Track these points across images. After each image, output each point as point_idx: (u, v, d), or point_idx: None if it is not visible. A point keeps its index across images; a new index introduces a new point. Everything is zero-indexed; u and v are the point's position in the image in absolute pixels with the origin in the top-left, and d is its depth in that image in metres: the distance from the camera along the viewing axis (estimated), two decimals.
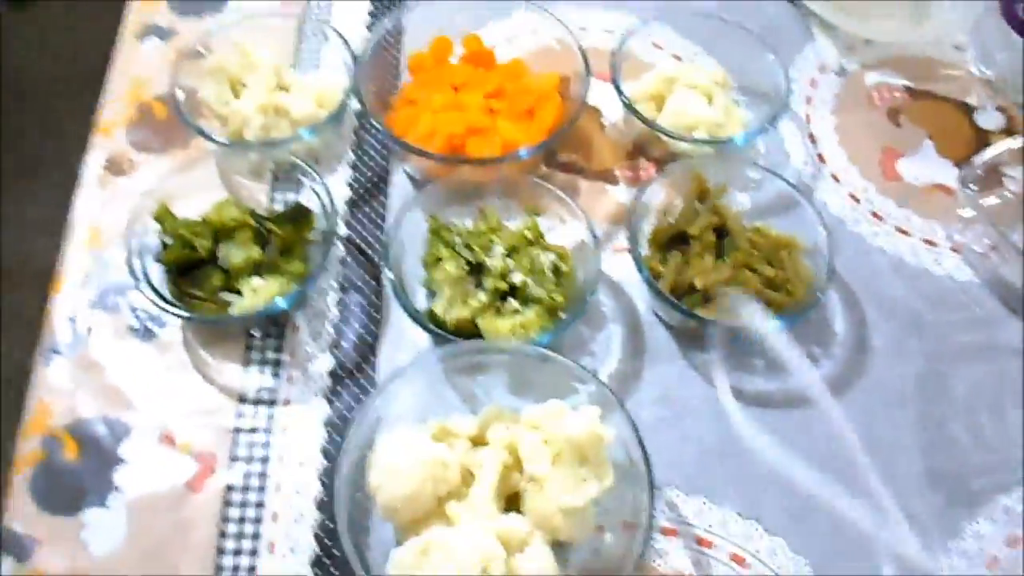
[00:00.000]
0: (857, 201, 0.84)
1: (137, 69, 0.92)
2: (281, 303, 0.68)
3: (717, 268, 0.72)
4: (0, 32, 2.19)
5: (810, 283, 0.72)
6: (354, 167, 0.84)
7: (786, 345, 0.68)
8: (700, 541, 0.66)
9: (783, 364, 0.69)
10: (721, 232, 0.74)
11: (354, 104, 0.86)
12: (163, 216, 0.72)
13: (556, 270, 0.71)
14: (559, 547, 0.61)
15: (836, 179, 0.86)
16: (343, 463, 0.59)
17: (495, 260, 0.70)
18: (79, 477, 0.68)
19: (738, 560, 0.65)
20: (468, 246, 0.71)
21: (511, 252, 0.71)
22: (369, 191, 0.83)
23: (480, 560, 0.55)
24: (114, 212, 0.80)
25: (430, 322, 0.69)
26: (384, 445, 0.61)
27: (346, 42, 0.83)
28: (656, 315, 0.76)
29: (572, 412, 0.61)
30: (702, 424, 0.71)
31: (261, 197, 0.81)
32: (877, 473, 0.69)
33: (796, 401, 0.72)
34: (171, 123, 0.87)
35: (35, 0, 2.24)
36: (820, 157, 0.87)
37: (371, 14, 0.96)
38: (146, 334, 0.75)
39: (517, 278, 0.69)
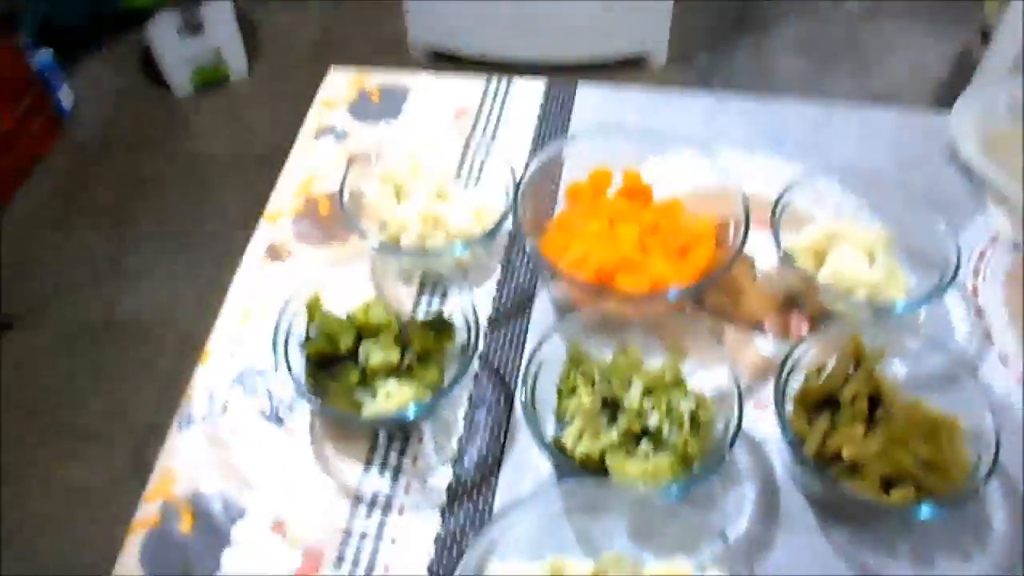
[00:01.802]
0: None
1: (310, 165, 0.97)
2: (412, 411, 0.68)
3: (868, 439, 0.67)
4: (182, 116, 2.39)
5: (970, 470, 0.66)
6: (500, 286, 0.85)
7: None
8: None
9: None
10: (875, 402, 0.70)
11: (508, 225, 0.87)
12: (314, 307, 0.74)
13: (694, 418, 0.68)
14: None
15: (1004, 360, 0.80)
16: None
17: (632, 398, 0.68)
18: (189, 551, 0.69)
19: None
20: (606, 379, 0.69)
21: (649, 392, 0.69)
22: (512, 312, 0.83)
23: None
24: (267, 296, 0.83)
25: (557, 452, 0.67)
26: None
27: (510, 162, 0.85)
28: (795, 480, 0.71)
29: (697, 572, 0.57)
30: None
31: (407, 302, 0.82)
32: None
33: None
34: (333, 219, 0.90)
35: (219, 87, 2.43)
36: (987, 335, 0.82)
37: (535, 140, 0.99)
38: (276, 420, 0.76)
39: (653, 420, 0.67)
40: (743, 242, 0.78)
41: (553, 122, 1.01)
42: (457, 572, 0.58)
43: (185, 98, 2.41)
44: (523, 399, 0.68)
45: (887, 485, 0.66)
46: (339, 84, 1.07)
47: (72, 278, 1.98)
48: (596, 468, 0.67)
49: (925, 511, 0.63)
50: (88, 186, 2.19)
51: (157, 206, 2.15)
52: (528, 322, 0.82)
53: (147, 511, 0.71)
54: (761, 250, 0.85)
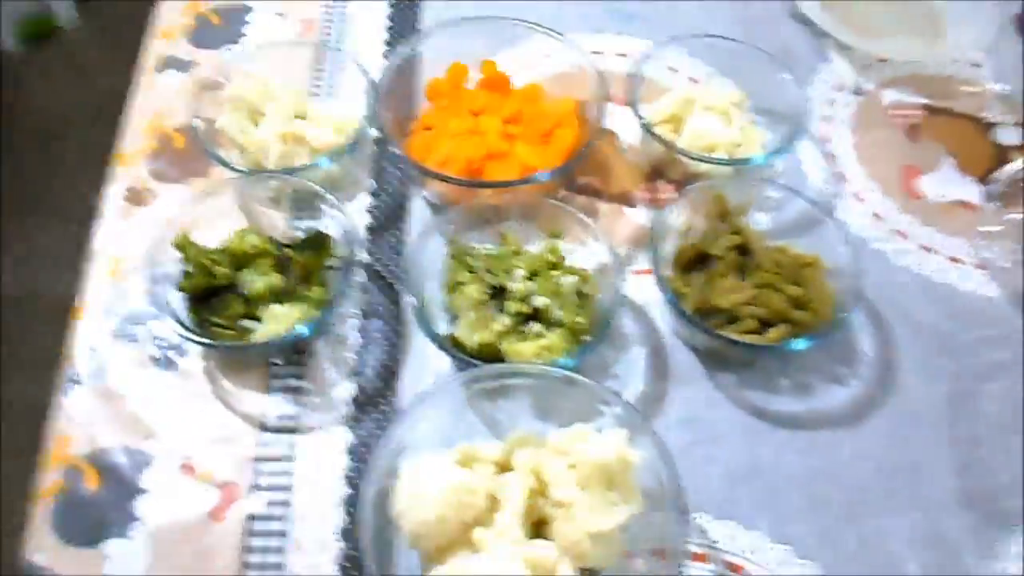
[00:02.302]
0: (880, 219, 0.84)
1: (156, 101, 0.92)
2: (302, 330, 0.68)
3: (740, 288, 0.71)
4: (12, 71, 2.22)
5: (835, 302, 0.71)
6: (373, 194, 0.84)
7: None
8: (731, 567, 0.65)
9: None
10: (743, 252, 0.74)
11: (372, 132, 0.86)
12: (184, 244, 0.72)
13: (579, 293, 0.70)
14: (587, 574, 0.60)
15: (857, 198, 0.85)
16: (367, 490, 0.59)
17: (517, 283, 0.69)
18: (100, 508, 0.68)
19: None
20: (489, 270, 0.70)
21: (533, 275, 0.70)
22: (388, 218, 0.82)
23: None
24: (134, 242, 0.80)
25: (452, 347, 0.68)
26: (408, 471, 0.60)
27: (363, 70, 0.84)
28: (680, 337, 0.75)
29: (598, 435, 0.60)
30: (729, 447, 0.70)
31: (280, 226, 0.81)
32: (908, 494, 0.68)
33: (823, 422, 0.71)
34: (190, 153, 0.87)
35: (49, 39, 2.26)
36: (840, 176, 0.87)
37: (387, 42, 0.97)
38: (167, 363, 0.74)
39: (539, 301, 0.69)
40: (603, 119, 0.79)
41: (403, 22, 0.99)
42: (369, 474, 0.59)
43: (13, 53, 2.24)
44: (412, 302, 0.69)
45: (764, 327, 0.70)
46: (174, 11, 1.01)
47: None
48: (493, 356, 0.68)
49: (799, 344, 0.68)
50: None
51: (2, 174, 2.01)
52: (406, 226, 0.82)
53: (49, 479, 0.69)
54: (623, 125, 0.87)
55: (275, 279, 0.71)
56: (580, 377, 0.63)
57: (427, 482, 0.58)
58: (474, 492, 0.59)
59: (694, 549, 0.65)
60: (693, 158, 0.80)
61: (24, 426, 1.55)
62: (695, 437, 0.70)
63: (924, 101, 0.94)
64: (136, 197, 0.85)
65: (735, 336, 0.69)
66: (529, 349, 0.67)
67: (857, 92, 0.94)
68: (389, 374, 0.73)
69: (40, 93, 2.19)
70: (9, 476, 1.47)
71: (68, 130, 2.09)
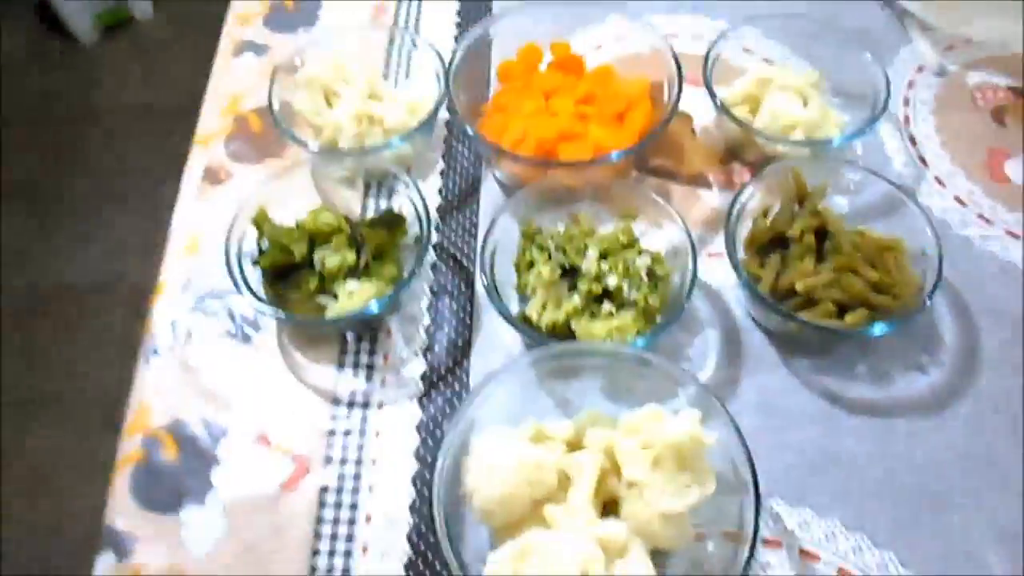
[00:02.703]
0: (963, 204, 0.81)
1: (233, 84, 0.94)
2: (375, 306, 0.69)
3: (818, 271, 0.70)
4: (90, 64, 2.29)
5: (917, 287, 0.69)
6: (444, 175, 0.85)
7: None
8: (805, 554, 0.64)
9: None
10: (821, 235, 0.72)
11: (444, 114, 0.86)
12: (261, 221, 0.73)
13: (651, 273, 0.69)
14: (657, 556, 0.59)
15: (940, 182, 0.83)
16: (439, 465, 0.59)
17: (589, 263, 0.69)
18: (178, 477, 0.69)
19: (845, 574, 0.63)
20: (562, 249, 0.70)
21: (605, 255, 0.70)
22: (460, 199, 0.83)
23: (580, 564, 0.54)
24: (212, 220, 0.82)
25: (523, 326, 0.68)
26: (480, 447, 0.60)
27: (437, 52, 0.84)
28: (754, 320, 0.74)
29: (672, 416, 0.59)
30: (804, 433, 0.68)
31: (354, 206, 0.82)
32: (988, 486, 0.66)
33: (902, 410, 0.69)
34: (266, 135, 0.89)
35: (125, 30, 2.33)
36: (922, 160, 0.84)
37: (459, 25, 0.97)
38: (243, 338, 0.76)
39: (612, 281, 0.68)
40: (678, 99, 0.78)
41: (475, 4, 0.99)
42: (441, 450, 0.59)
43: (91, 46, 2.31)
44: (484, 281, 0.69)
45: (841, 312, 0.69)
46: None
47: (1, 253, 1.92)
48: (563, 335, 0.68)
49: (878, 329, 0.66)
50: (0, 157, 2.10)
51: (79, 166, 2.07)
52: (478, 206, 0.82)
53: (129, 447, 0.71)
54: (697, 107, 0.86)
55: (349, 256, 0.72)
56: (653, 356, 0.62)
57: (499, 458, 0.58)
58: (545, 469, 0.59)
59: (767, 535, 0.64)
60: (770, 139, 0.78)
61: (101, 408, 1.62)
62: (768, 422, 0.69)
63: (1010, 83, 0.90)
64: (213, 177, 0.87)
65: (812, 320, 0.67)
66: (600, 329, 0.66)
67: (940, 73, 0.91)
68: (459, 352, 0.73)
69: (116, 85, 2.25)
70: (92, 452, 1.53)
71: (142, 121, 2.15)
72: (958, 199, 0.81)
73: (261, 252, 0.74)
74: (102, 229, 1.96)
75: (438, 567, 0.64)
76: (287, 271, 0.73)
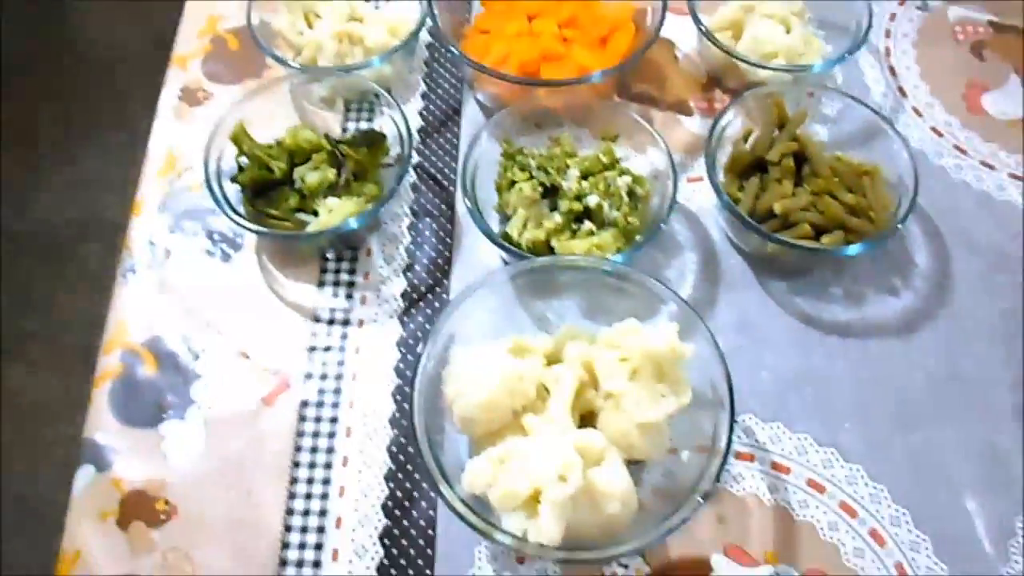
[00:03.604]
0: (940, 135, 0.82)
1: (211, 4, 0.92)
2: (354, 222, 0.69)
3: (796, 194, 0.70)
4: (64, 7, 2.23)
5: (892, 211, 0.70)
6: (426, 97, 0.84)
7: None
8: (776, 466, 0.65)
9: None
10: (800, 160, 0.73)
11: (426, 37, 0.85)
12: (240, 137, 0.73)
13: (632, 193, 0.70)
14: (633, 466, 0.60)
15: (918, 113, 0.83)
16: (418, 377, 0.59)
17: (570, 182, 0.69)
18: (157, 391, 0.70)
19: (815, 486, 0.64)
20: (543, 169, 0.70)
21: (586, 175, 0.70)
22: (441, 120, 0.82)
23: (558, 469, 0.55)
24: (189, 140, 0.81)
25: (504, 243, 0.68)
26: (461, 357, 0.60)
27: None
28: (732, 243, 0.75)
29: (650, 329, 0.60)
30: (778, 352, 0.70)
31: (334, 126, 0.81)
32: (959, 406, 0.67)
33: (874, 331, 0.71)
34: (244, 54, 0.87)
35: None
36: (900, 91, 0.85)
37: None
38: (222, 256, 0.75)
39: (592, 200, 0.68)
40: (661, 23, 0.78)
41: None
42: (421, 360, 0.60)
43: None
44: (465, 200, 0.69)
45: (818, 234, 0.69)
46: None
47: None
48: (544, 254, 0.69)
49: (853, 250, 0.67)
50: None
51: (55, 104, 2.03)
52: (459, 128, 0.82)
53: (107, 363, 0.71)
54: (680, 34, 0.86)
55: (329, 174, 0.72)
56: (631, 270, 0.62)
57: (479, 368, 0.59)
58: (525, 379, 0.60)
59: (740, 448, 0.66)
60: (752, 64, 0.78)
61: (79, 345, 1.61)
62: (744, 341, 0.70)
63: (990, 18, 0.90)
64: (191, 97, 0.86)
65: (790, 239, 0.68)
66: (580, 246, 0.67)
67: (922, 7, 0.91)
68: (439, 272, 0.74)
69: (92, 22, 2.20)
70: (76, 387, 1.52)
71: (120, 59, 2.10)
72: (935, 130, 0.82)
73: (240, 169, 0.73)
74: (79, 167, 1.92)
75: (418, 477, 0.65)
76: (266, 188, 0.73)
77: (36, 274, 1.77)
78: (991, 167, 0.80)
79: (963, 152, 0.81)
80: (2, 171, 1.90)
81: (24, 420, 1.59)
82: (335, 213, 0.70)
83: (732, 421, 0.57)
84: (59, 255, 1.80)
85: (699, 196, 0.77)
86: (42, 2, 2.22)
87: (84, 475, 0.66)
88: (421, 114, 0.83)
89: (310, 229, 0.70)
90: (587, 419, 0.62)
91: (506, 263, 0.71)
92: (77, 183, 1.90)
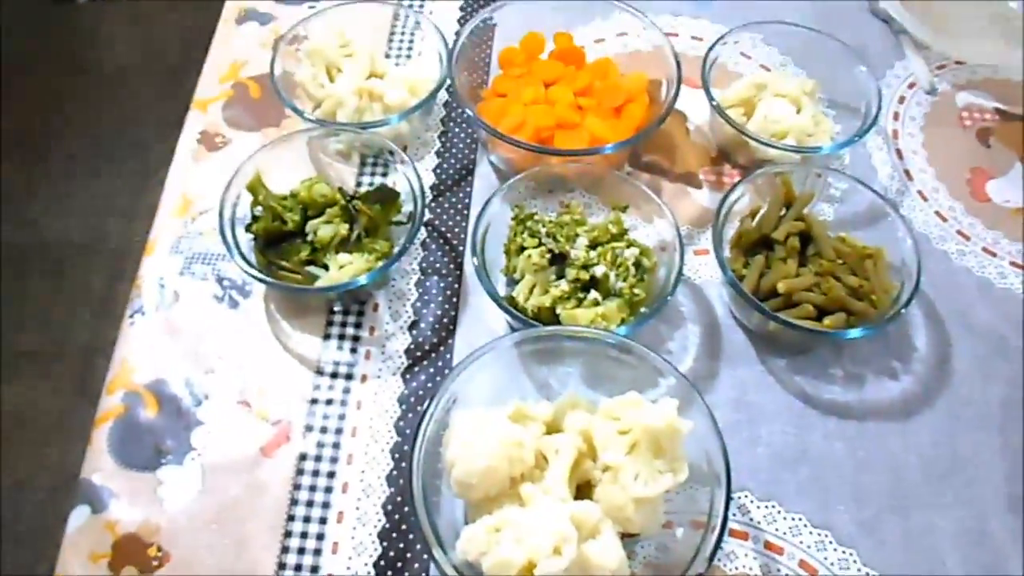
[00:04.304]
0: (944, 220, 0.83)
1: (235, 51, 0.94)
2: (364, 279, 0.70)
3: (800, 274, 0.71)
4: (82, 23, 2.26)
5: (894, 295, 0.71)
6: (440, 155, 0.85)
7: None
8: (769, 546, 0.65)
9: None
10: (805, 239, 0.74)
11: (444, 96, 0.87)
12: (256, 186, 0.74)
13: (638, 265, 0.71)
14: (627, 539, 0.61)
15: (923, 197, 0.85)
16: (421, 434, 0.60)
17: (578, 250, 0.70)
18: (158, 435, 0.70)
19: (808, 568, 0.64)
20: (552, 236, 0.71)
21: (594, 244, 0.71)
22: (454, 180, 0.84)
23: (553, 541, 0.55)
24: (205, 184, 0.83)
25: (510, 308, 0.69)
26: (462, 421, 0.61)
27: (441, 33, 0.85)
28: (735, 318, 0.75)
29: (650, 403, 0.61)
30: (776, 430, 0.70)
31: (349, 179, 0.83)
32: (954, 492, 0.68)
33: (872, 413, 0.71)
34: (265, 103, 0.89)
35: None
36: (907, 174, 0.86)
37: (463, 8, 0.98)
38: (230, 303, 0.76)
39: (599, 270, 0.69)
40: (675, 97, 0.79)
41: None
42: (423, 421, 0.60)
43: (85, 3, 2.29)
44: (474, 261, 0.70)
45: (820, 315, 0.70)
46: None
47: None
48: (548, 320, 0.69)
49: (855, 333, 0.68)
50: None
51: (69, 125, 2.05)
52: (471, 189, 0.83)
53: (110, 403, 0.72)
54: (692, 107, 0.88)
55: (342, 228, 0.73)
56: (634, 344, 0.63)
57: (480, 433, 0.59)
58: (524, 447, 0.60)
59: (734, 526, 0.66)
60: (762, 143, 0.80)
61: (76, 366, 1.62)
62: (743, 417, 0.70)
63: (998, 105, 0.92)
64: (210, 142, 0.87)
65: (792, 319, 0.69)
66: (585, 315, 0.68)
67: (931, 91, 0.93)
68: (444, 331, 0.74)
69: (108, 44, 2.23)
70: (69, 412, 1.52)
71: (133, 82, 2.13)
72: (939, 214, 0.83)
73: (254, 218, 0.74)
74: (87, 189, 1.94)
75: (412, 537, 0.65)
76: (279, 239, 0.74)
77: (40, 295, 1.78)
78: (993, 254, 0.81)
79: (966, 238, 0.82)
80: (7, 185, 1.92)
81: (12, 440, 1.59)
82: (346, 269, 0.71)
83: (728, 499, 0.57)
84: (60, 274, 1.81)
85: (705, 269, 0.78)
86: (63, 15, 2.26)
87: (79, 515, 0.66)
88: (435, 172, 0.84)
89: (320, 284, 0.71)
90: (584, 489, 0.62)
91: (511, 326, 0.72)
92: (86, 205, 1.91)
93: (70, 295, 1.77)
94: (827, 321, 0.69)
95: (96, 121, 2.07)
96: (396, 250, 0.73)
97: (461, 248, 0.79)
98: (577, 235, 0.71)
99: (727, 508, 0.57)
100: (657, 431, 0.59)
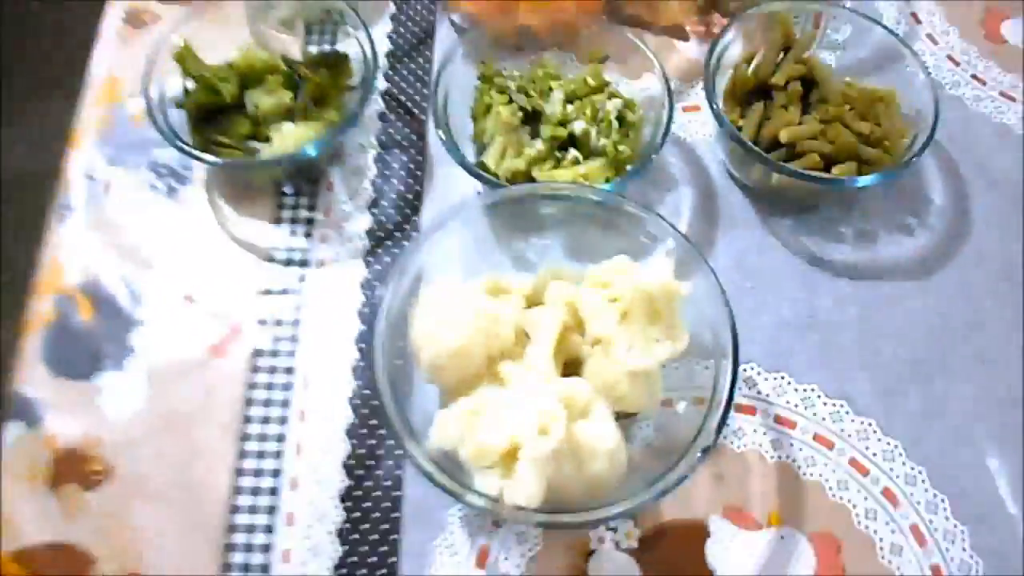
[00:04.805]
0: (956, 64, 0.75)
1: None
2: (312, 148, 0.61)
3: (804, 122, 0.63)
4: None
5: (907, 142, 0.64)
6: (395, 19, 0.76)
7: None
8: (780, 420, 0.59)
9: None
10: (808, 85, 0.66)
11: None
12: (185, 57, 0.65)
13: (621, 119, 0.63)
14: (623, 420, 0.54)
15: (932, 40, 0.77)
16: (381, 319, 0.52)
17: (554, 106, 0.62)
18: (94, 340, 0.63)
19: (823, 442, 0.58)
20: (523, 91, 0.63)
21: (571, 99, 0.63)
22: (412, 44, 0.75)
23: (539, 421, 0.48)
24: (133, 67, 0.73)
25: (481, 174, 0.61)
26: (430, 297, 0.54)
27: None
28: (732, 177, 0.68)
29: (643, 266, 0.54)
30: (783, 296, 0.63)
31: (293, 51, 0.73)
32: (975, 353, 0.61)
33: (886, 272, 0.64)
34: None
35: None
36: (914, 17, 0.78)
37: None
38: (167, 191, 0.68)
39: (578, 126, 0.62)
40: None
41: None
42: (383, 302, 0.53)
43: None
44: (437, 129, 0.62)
45: (827, 167, 0.63)
46: None
47: None
48: None
49: (866, 180, 0.61)
50: None
51: (6, 52, 1.93)
52: (431, 52, 0.74)
53: (39, 308, 0.64)
54: None
55: (285, 97, 0.65)
56: (624, 200, 0.56)
57: (450, 309, 0.52)
58: (502, 322, 0.53)
59: (741, 400, 0.59)
60: None
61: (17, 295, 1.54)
62: (745, 284, 0.64)
63: None
64: (136, 19, 0.78)
65: (798, 168, 0.61)
66: (565, 176, 0.60)
67: None
68: (409, 207, 0.67)
69: None
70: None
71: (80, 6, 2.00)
72: (951, 58, 0.76)
73: (186, 93, 0.65)
74: (32, 117, 1.83)
75: (383, 432, 0.58)
76: (215, 114, 0.65)
77: None
78: (1011, 99, 0.73)
79: (981, 82, 0.74)
80: None
81: None
82: (291, 138, 0.63)
83: (736, 365, 0.50)
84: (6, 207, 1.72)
85: (695, 126, 0.70)
86: None
87: (12, 432, 0.59)
88: (390, 37, 0.75)
89: (263, 156, 0.63)
90: (571, 367, 0.55)
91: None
92: (30, 134, 1.81)
93: (13, 226, 1.68)
94: (836, 170, 0.62)
95: (33, 47, 1.94)
96: (347, 118, 0.64)
97: (423, 117, 0.71)
98: (551, 89, 0.63)
99: (735, 378, 0.50)
100: (652, 294, 0.51)
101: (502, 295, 0.56)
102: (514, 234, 0.60)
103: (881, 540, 0.56)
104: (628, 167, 0.61)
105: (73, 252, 0.66)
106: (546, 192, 0.57)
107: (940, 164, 0.69)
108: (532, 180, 0.61)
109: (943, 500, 0.57)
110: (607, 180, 0.60)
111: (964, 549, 0.55)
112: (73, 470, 0.58)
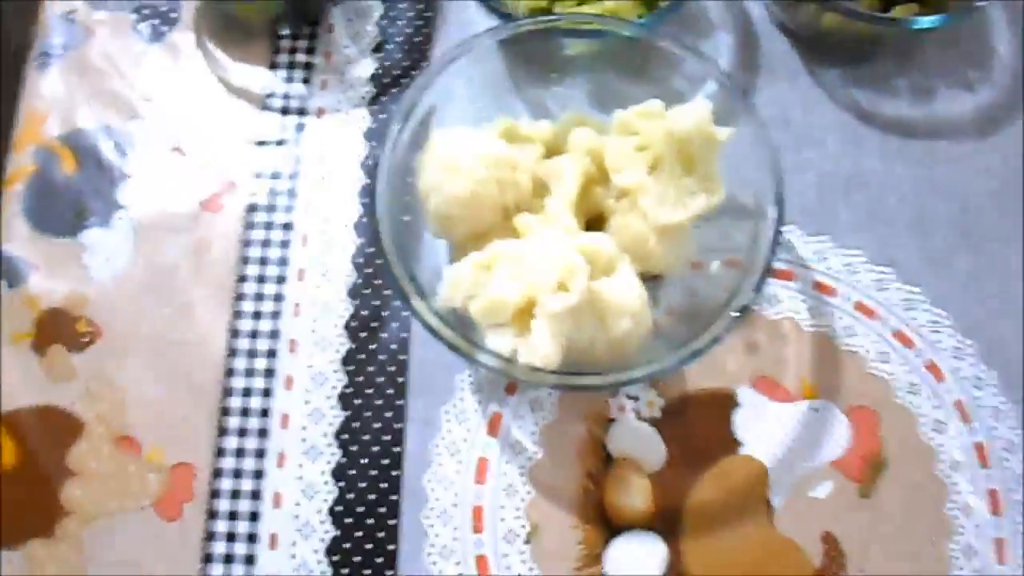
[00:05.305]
0: None
1: None
2: None
3: None
4: None
5: None
6: None
7: None
8: (819, 287, 0.54)
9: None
10: None
11: None
12: None
13: None
14: (649, 282, 0.49)
15: None
16: (385, 159, 0.47)
17: None
18: (78, 194, 0.58)
19: (865, 310, 0.54)
20: None
21: None
22: None
23: (558, 275, 0.43)
24: None
25: (500, 12, 0.55)
26: (439, 141, 0.48)
27: None
28: (775, 21, 0.61)
29: (676, 109, 0.48)
30: (828, 153, 0.58)
31: None
32: None
33: (942, 131, 0.58)
34: None
35: None
36: None
37: None
38: (153, 34, 0.62)
39: None
40: None
41: None
42: (386, 148, 0.48)
43: None
44: None
45: (886, 9, 0.56)
46: None
47: None
48: None
49: (929, 22, 0.54)
50: None
51: None
52: None
53: (18, 162, 0.59)
54: None
55: None
56: (659, 36, 0.49)
57: (461, 153, 0.47)
58: (519, 170, 0.48)
59: (778, 265, 0.54)
60: None
61: None
62: (787, 139, 0.57)
63: None
64: None
65: (855, 6, 0.54)
66: (592, 9, 0.53)
67: None
68: (417, 51, 0.61)
69: None
70: None
71: None
72: None
73: None
74: None
75: (388, 292, 0.54)
76: None
77: None
78: None
79: None
80: None
81: None
82: None
83: (781, 217, 0.45)
84: None
85: None
86: None
87: None
88: None
89: None
90: (594, 223, 0.50)
91: None
92: None
93: None
94: (897, 11, 0.55)
95: None
96: None
97: None
98: None
99: (776, 237, 0.45)
100: (686, 139, 0.46)
101: (519, 141, 0.50)
102: (532, 79, 0.54)
103: (923, 416, 0.52)
104: (661, 3, 0.55)
105: (53, 101, 0.61)
106: (569, 26, 0.51)
107: (1006, 12, 0.62)
108: None
109: (991, 376, 0.52)
110: (639, 17, 0.54)
111: (1012, 428, 0.51)
112: (59, 331, 0.55)
